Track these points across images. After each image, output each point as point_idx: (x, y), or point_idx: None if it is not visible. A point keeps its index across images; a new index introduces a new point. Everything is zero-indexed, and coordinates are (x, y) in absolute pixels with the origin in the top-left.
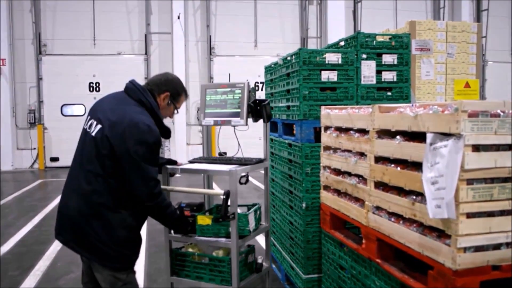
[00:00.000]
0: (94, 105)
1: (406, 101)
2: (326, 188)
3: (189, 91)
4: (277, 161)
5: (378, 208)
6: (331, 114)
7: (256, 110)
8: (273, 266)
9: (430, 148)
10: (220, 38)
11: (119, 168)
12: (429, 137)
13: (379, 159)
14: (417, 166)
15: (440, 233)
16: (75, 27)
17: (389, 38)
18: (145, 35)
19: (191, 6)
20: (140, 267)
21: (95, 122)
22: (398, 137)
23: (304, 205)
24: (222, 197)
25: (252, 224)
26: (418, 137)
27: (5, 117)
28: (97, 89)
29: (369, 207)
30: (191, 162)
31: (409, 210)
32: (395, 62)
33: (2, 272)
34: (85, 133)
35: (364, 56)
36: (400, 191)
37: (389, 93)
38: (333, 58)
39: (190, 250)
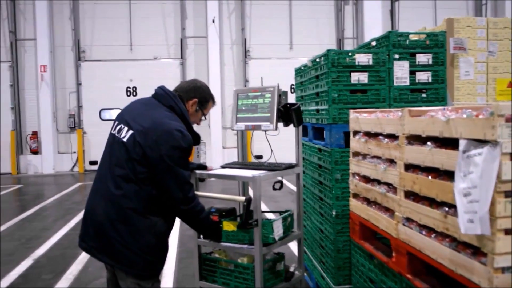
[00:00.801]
0: (123, 110)
1: (442, 103)
2: (356, 196)
3: (224, 94)
4: (307, 166)
5: (408, 219)
6: (359, 118)
7: (286, 114)
8: (305, 274)
9: (463, 156)
10: (255, 41)
11: (152, 174)
12: (462, 144)
13: (409, 167)
14: (449, 175)
15: (476, 250)
16: (112, 33)
17: (424, 37)
18: (181, 39)
19: (225, 9)
20: (169, 272)
21: (125, 128)
22: (429, 143)
23: (334, 212)
24: (244, 203)
25: (278, 232)
26: (451, 143)
27: (47, 122)
28: (134, 93)
29: (399, 218)
30: (223, 167)
31: (441, 223)
32: (430, 62)
33: (35, 275)
34: (113, 138)
35: (397, 56)
36: (432, 202)
37: (423, 95)
38: (363, 59)
39: (217, 255)
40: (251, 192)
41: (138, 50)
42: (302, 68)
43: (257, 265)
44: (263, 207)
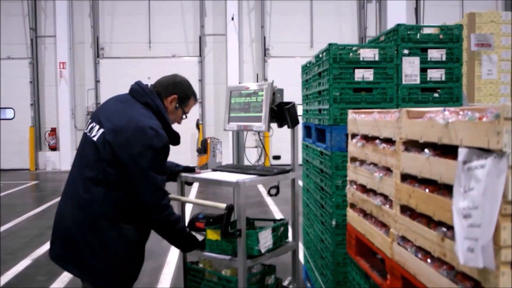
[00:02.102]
0: (97, 108)
1: (457, 104)
2: (353, 206)
3: None
4: (311, 170)
5: (404, 238)
6: (357, 120)
7: (280, 114)
8: (308, 285)
9: (464, 168)
10: (275, 38)
11: (123, 176)
12: (461, 153)
13: (407, 177)
14: (450, 189)
15: (476, 283)
16: (131, 30)
17: (437, 31)
18: (200, 37)
19: (245, 6)
20: (167, 278)
21: (96, 126)
22: (426, 150)
23: (334, 222)
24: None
25: (266, 243)
26: (452, 151)
27: (65, 118)
28: None
29: (394, 236)
30: (214, 170)
31: (437, 247)
32: (444, 58)
33: (31, 276)
34: (85, 137)
35: (406, 51)
36: (431, 219)
37: (436, 95)
38: (368, 54)
39: (201, 265)
40: (258, 196)
41: (157, 48)
42: (307, 65)
43: (240, 278)
44: (275, 212)
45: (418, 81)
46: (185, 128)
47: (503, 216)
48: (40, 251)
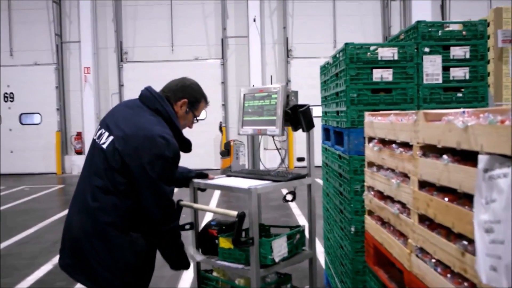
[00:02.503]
0: (106, 114)
1: (482, 104)
2: (371, 213)
3: None
4: (330, 173)
5: (422, 250)
6: (374, 123)
7: (294, 117)
8: None
9: (485, 177)
10: (298, 39)
11: (133, 185)
12: (482, 160)
13: (424, 184)
14: (470, 198)
15: None
16: (154, 34)
17: (460, 27)
18: (222, 39)
19: (267, 8)
20: (186, 283)
21: (106, 133)
22: (445, 156)
23: (353, 229)
24: (236, 219)
25: (280, 252)
26: (472, 157)
27: (90, 123)
28: None
29: (412, 247)
30: (228, 175)
31: (457, 262)
32: (468, 56)
33: (50, 282)
34: (93, 145)
35: (427, 49)
36: (450, 231)
37: (459, 94)
38: (387, 53)
39: (215, 274)
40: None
41: (179, 51)
42: (326, 65)
43: (256, 283)
44: (297, 215)
45: (440, 81)
46: (208, 130)
47: None
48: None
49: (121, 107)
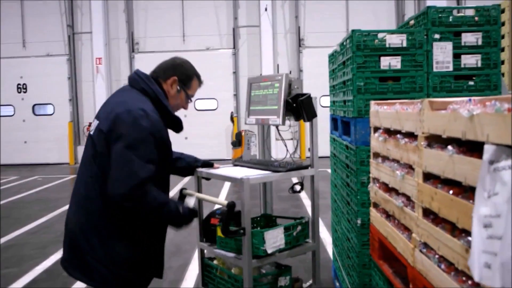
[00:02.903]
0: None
1: (495, 93)
2: (376, 206)
3: None
4: (338, 164)
5: (426, 245)
6: (379, 112)
7: (296, 106)
8: (337, 284)
9: (490, 169)
10: (310, 28)
11: None
12: (487, 150)
13: (429, 176)
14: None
15: None
16: (165, 24)
17: (472, 12)
18: (233, 29)
19: None
20: (192, 274)
21: (95, 120)
22: (449, 147)
23: (359, 221)
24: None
25: (275, 243)
26: (478, 148)
27: None
28: None
29: (416, 242)
30: (234, 164)
31: (461, 259)
32: (480, 43)
33: (58, 271)
34: (88, 134)
35: (437, 36)
36: (455, 226)
37: (471, 83)
38: (395, 40)
39: (215, 262)
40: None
41: (191, 41)
42: (334, 54)
43: (245, 278)
44: (307, 206)
45: (450, 68)
46: (220, 121)
47: None
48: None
49: (112, 95)
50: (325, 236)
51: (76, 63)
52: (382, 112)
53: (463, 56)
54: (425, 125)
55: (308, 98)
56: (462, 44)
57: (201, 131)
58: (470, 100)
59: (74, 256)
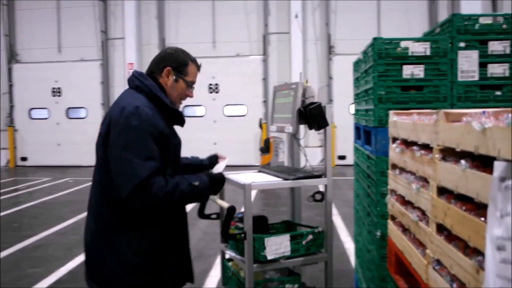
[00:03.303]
0: None
1: None
2: (393, 218)
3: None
4: (360, 174)
5: (439, 262)
6: (397, 122)
7: (307, 115)
8: None
9: (501, 186)
10: (340, 36)
11: None
12: (498, 167)
13: (443, 191)
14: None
15: None
16: (196, 31)
17: (500, 20)
18: (263, 36)
19: (309, 4)
20: (212, 286)
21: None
22: (462, 161)
23: (378, 233)
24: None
25: (278, 250)
26: (492, 163)
27: None
28: (216, 90)
29: (429, 259)
30: (259, 171)
31: (472, 280)
32: (508, 51)
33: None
34: None
35: (462, 44)
36: (468, 244)
37: (498, 93)
38: (418, 48)
39: (230, 264)
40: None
41: (221, 47)
42: (358, 61)
43: (246, 281)
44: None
45: (476, 78)
46: (249, 127)
47: None
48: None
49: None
50: (350, 246)
51: (108, 68)
52: (400, 123)
53: (489, 65)
54: (440, 137)
55: (318, 107)
56: (489, 52)
57: (230, 137)
58: (484, 112)
59: (88, 264)
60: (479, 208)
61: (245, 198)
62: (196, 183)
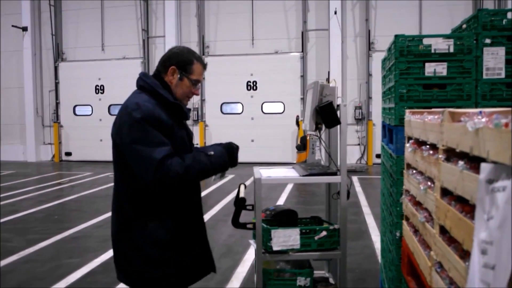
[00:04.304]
0: None
1: None
2: (407, 219)
3: (346, 89)
4: (385, 173)
5: (441, 265)
6: (411, 121)
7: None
8: None
9: (488, 189)
10: (380, 32)
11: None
12: (484, 169)
13: (446, 192)
14: None
15: None
16: (235, 28)
17: None
18: (302, 33)
19: (349, 0)
20: (238, 282)
21: None
22: (460, 162)
23: (398, 233)
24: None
25: (287, 242)
26: None
27: None
28: (254, 87)
29: (433, 261)
30: (293, 167)
31: (465, 283)
32: None
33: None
34: None
35: (488, 41)
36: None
37: None
38: (442, 45)
39: None
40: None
41: (259, 45)
42: (384, 59)
43: (257, 268)
44: (366, 214)
45: (503, 75)
46: (286, 124)
47: None
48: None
49: None
50: (380, 246)
51: (150, 65)
52: (413, 122)
53: None
54: (444, 137)
55: (328, 105)
56: None
57: (267, 134)
58: (480, 112)
59: (115, 259)
60: (474, 211)
61: (255, 191)
62: (211, 152)
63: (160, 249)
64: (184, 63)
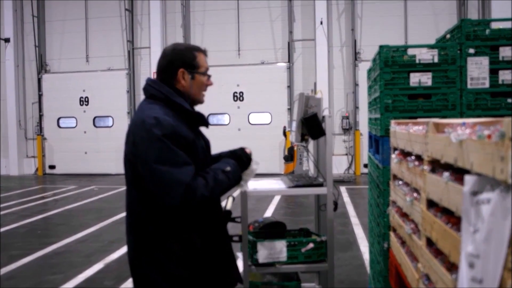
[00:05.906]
0: None
1: None
2: (394, 230)
3: (333, 98)
4: (372, 183)
5: (428, 277)
6: (397, 132)
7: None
8: None
9: (473, 201)
10: (366, 41)
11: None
12: (468, 181)
13: (432, 204)
14: None
15: None
16: (221, 39)
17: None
18: (288, 43)
19: (335, 10)
20: None
21: None
22: (445, 173)
23: (385, 245)
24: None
25: (273, 255)
26: None
27: None
28: (241, 98)
29: (420, 273)
30: (281, 179)
31: None
32: None
33: (99, 280)
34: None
35: (472, 51)
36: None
37: (510, 100)
38: (426, 56)
39: None
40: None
41: (246, 55)
42: (370, 69)
43: (244, 281)
44: (354, 225)
45: (487, 85)
46: (273, 135)
47: (508, 270)
48: (113, 256)
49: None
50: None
51: (135, 77)
52: (398, 133)
53: (500, 72)
54: (429, 148)
55: (313, 117)
56: (500, 58)
57: (254, 145)
58: (464, 124)
59: (136, 285)
60: (459, 222)
61: (242, 204)
62: (228, 168)
63: (185, 268)
64: (189, 60)
